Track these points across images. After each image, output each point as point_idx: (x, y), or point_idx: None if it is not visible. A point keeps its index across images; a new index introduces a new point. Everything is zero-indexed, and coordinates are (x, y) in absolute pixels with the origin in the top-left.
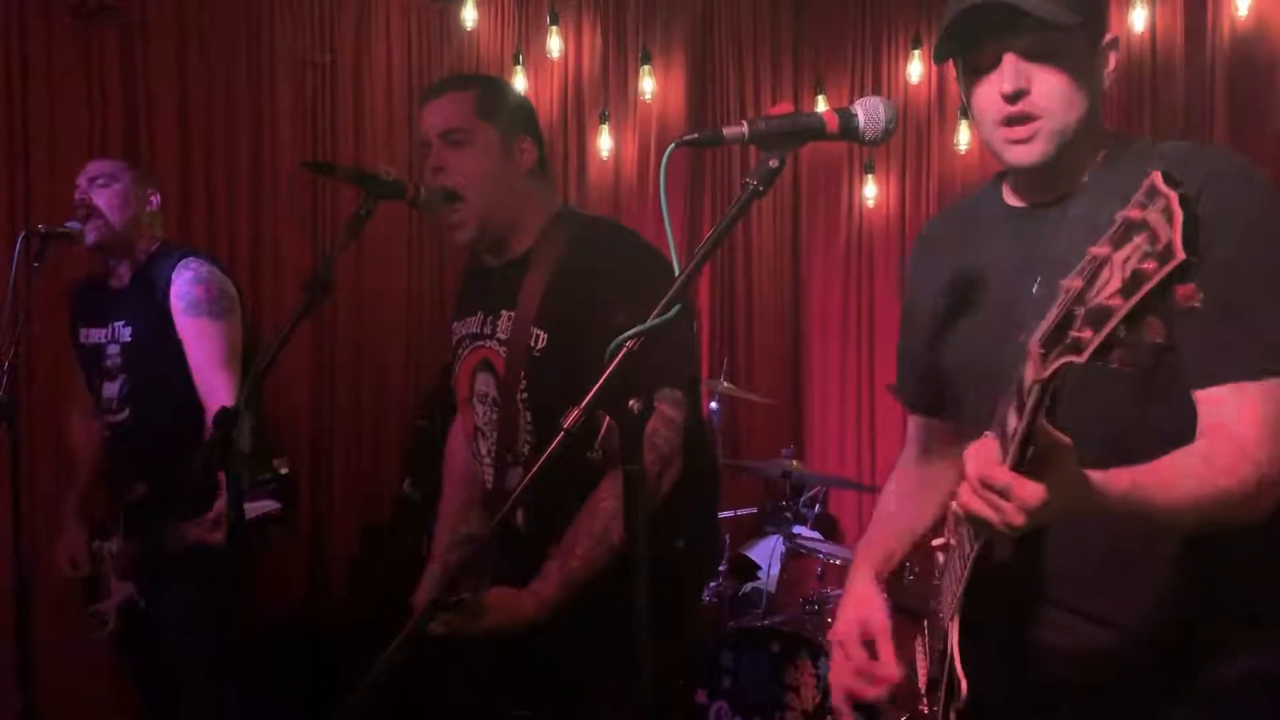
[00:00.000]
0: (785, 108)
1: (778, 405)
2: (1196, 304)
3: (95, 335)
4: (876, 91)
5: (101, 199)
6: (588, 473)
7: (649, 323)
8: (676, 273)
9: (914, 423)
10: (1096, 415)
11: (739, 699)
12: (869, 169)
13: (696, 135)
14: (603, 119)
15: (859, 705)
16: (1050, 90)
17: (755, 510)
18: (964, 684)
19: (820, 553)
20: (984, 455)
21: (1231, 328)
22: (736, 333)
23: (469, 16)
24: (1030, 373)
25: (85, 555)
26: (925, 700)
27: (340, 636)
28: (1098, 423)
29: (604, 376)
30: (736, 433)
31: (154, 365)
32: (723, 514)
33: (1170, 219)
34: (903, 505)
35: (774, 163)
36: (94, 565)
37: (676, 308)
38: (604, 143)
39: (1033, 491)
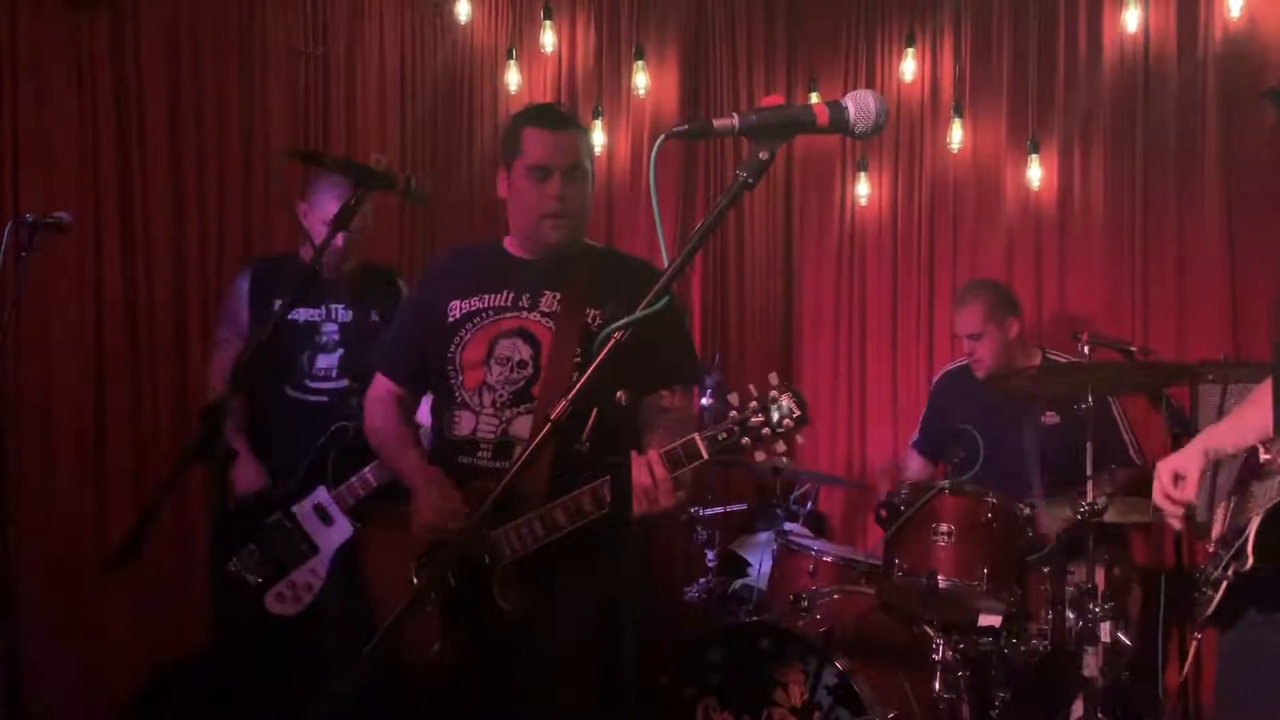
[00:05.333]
0: (776, 100)
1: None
2: None
3: (306, 314)
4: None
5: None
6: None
7: (637, 314)
8: (665, 264)
9: None
10: None
11: (728, 695)
12: (862, 167)
13: (686, 127)
14: (596, 114)
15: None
16: None
17: (745, 507)
18: (1250, 560)
19: (811, 549)
20: None
21: None
22: (728, 329)
23: (463, 10)
24: None
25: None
26: (1212, 545)
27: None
28: None
29: (592, 367)
30: None
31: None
32: (713, 510)
33: None
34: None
35: (764, 155)
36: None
37: (664, 299)
38: (597, 138)
39: None
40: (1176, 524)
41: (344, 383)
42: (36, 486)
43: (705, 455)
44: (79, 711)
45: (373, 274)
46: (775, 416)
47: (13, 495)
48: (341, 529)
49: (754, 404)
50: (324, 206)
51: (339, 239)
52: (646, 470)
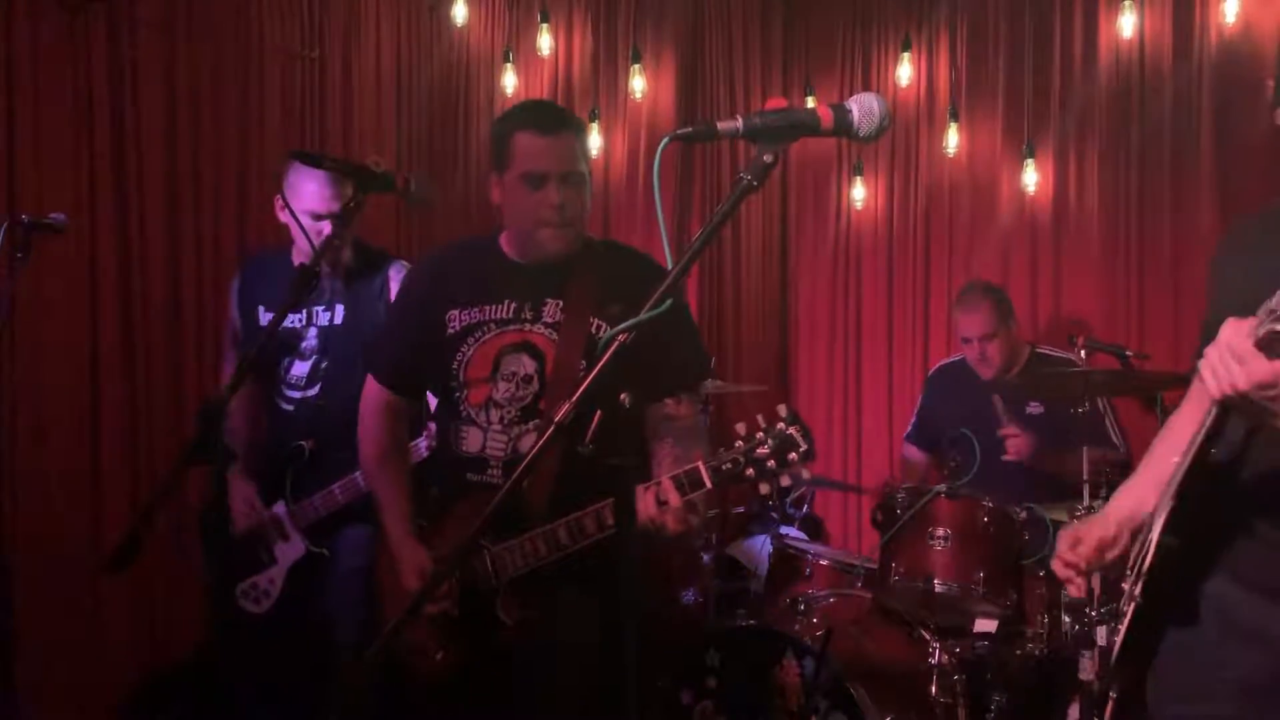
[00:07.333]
0: (779, 103)
1: (766, 400)
2: None
3: (289, 319)
4: None
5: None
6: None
7: (641, 316)
8: (669, 267)
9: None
10: None
11: (724, 699)
12: (858, 170)
13: (690, 129)
14: (593, 117)
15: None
16: None
17: (742, 510)
18: (1152, 550)
19: (807, 553)
20: (1238, 327)
21: None
22: (724, 333)
23: (459, 13)
24: None
25: (259, 505)
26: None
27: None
28: None
29: (596, 369)
30: (725, 433)
31: (352, 348)
32: (709, 513)
33: None
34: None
35: (768, 157)
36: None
37: (668, 302)
38: (594, 141)
39: (1260, 368)
40: (1073, 590)
41: (311, 392)
42: (33, 487)
43: (709, 484)
44: (76, 710)
45: (364, 262)
46: (781, 449)
47: (9, 495)
48: (295, 546)
49: (760, 434)
50: (304, 191)
51: (329, 230)
52: (655, 499)
